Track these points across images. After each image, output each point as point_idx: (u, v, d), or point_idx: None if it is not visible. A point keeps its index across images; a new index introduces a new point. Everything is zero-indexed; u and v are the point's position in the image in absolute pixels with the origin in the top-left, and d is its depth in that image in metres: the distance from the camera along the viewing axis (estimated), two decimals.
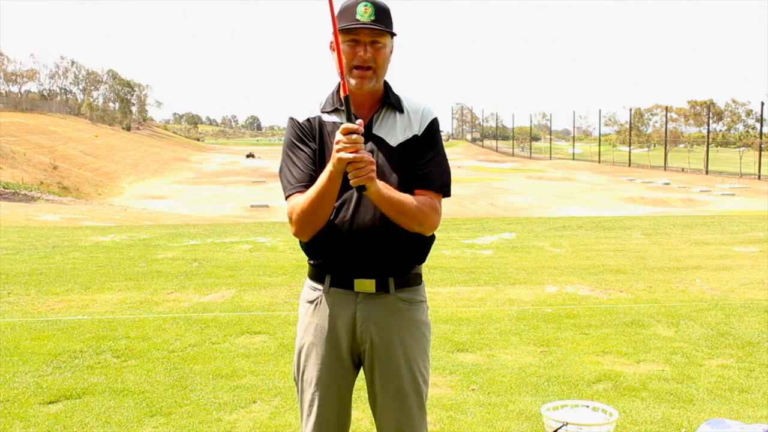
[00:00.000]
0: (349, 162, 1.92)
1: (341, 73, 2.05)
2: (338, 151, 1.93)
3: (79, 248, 10.20)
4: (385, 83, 2.24)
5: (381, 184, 2.03)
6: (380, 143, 2.18)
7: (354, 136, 1.92)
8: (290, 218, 2.14)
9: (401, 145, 2.19)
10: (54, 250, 9.91)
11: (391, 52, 2.19)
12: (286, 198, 2.18)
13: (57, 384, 4.28)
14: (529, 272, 8.07)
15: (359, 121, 1.97)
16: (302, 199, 2.09)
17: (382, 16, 2.11)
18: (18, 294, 6.92)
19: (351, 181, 1.96)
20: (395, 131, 2.20)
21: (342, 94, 2.02)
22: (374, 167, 1.97)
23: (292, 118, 2.23)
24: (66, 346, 5.06)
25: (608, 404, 3.40)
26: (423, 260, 2.29)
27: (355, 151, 1.92)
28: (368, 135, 2.17)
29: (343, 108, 2.00)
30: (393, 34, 2.16)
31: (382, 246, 2.15)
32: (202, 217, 22.42)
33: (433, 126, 2.24)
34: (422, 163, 2.19)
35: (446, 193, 2.24)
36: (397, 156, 2.17)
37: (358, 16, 2.08)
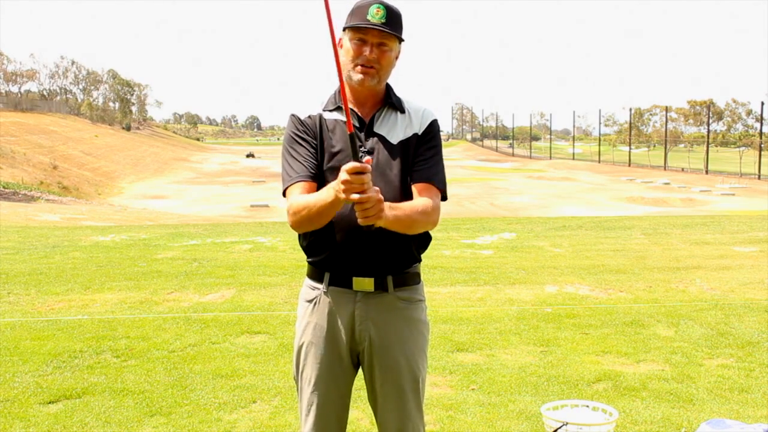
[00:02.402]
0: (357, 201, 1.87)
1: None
2: (345, 191, 1.85)
3: (79, 248, 10.20)
4: (388, 85, 2.26)
5: (387, 207, 1.95)
6: (381, 140, 2.19)
7: (362, 176, 1.83)
8: (288, 212, 2.14)
9: (402, 142, 2.20)
10: (54, 250, 9.91)
11: (396, 56, 2.19)
12: (285, 189, 2.17)
13: (57, 384, 4.28)
14: (529, 272, 8.07)
15: (367, 158, 1.90)
16: (303, 204, 2.08)
17: (393, 20, 2.12)
18: (18, 294, 6.92)
19: (359, 221, 1.90)
20: (396, 129, 2.22)
21: (347, 132, 1.90)
22: (382, 206, 1.90)
23: (293, 115, 2.24)
24: (66, 346, 5.06)
25: (608, 404, 3.40)
26: (420, 259, 2.30)
27: (363, 192, 1.85)
28: (369, 132, 2.19)
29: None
30: (401, 40, 2.17)
31: (380, 243, 2.16)
32: (202, 217, 22.42)
33: (434, 126, 2.26)
34: (422, 160, 2.21)
35: (444, 196, 2.24)
36: (397, 153, 2.19)
37: (369, 17, 2.09)
